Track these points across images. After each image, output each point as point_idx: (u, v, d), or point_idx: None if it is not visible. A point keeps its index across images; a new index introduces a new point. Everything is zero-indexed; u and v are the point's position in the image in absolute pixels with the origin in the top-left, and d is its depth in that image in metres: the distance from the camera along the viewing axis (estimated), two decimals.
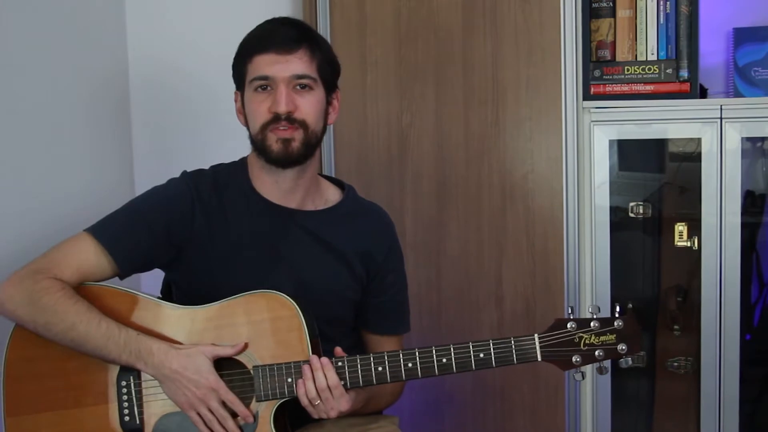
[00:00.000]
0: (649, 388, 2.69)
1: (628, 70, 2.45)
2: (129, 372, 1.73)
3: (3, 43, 2.16)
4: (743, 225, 2.38)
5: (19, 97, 2.22)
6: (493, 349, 1.67)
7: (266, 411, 1.70)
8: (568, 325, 1.66)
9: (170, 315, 1.76)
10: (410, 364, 1.68)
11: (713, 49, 2.60)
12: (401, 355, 1.68)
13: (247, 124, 1.83)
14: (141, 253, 1.81)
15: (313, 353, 1.69)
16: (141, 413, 1.73)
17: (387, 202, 2.37)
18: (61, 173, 2.39)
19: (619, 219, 2.54)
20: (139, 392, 1.73)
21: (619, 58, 2.46)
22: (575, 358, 1.66)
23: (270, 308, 1.72)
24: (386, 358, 1.69)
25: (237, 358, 1.71)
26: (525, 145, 2.48)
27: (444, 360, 1.67)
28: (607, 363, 1.69)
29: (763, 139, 2.52)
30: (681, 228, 2.50)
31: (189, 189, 1.83)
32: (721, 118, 2.37)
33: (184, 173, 1.88)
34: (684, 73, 2.41)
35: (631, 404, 2.70)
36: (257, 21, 1.83)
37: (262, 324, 1.71)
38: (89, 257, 1.77)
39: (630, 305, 2.42)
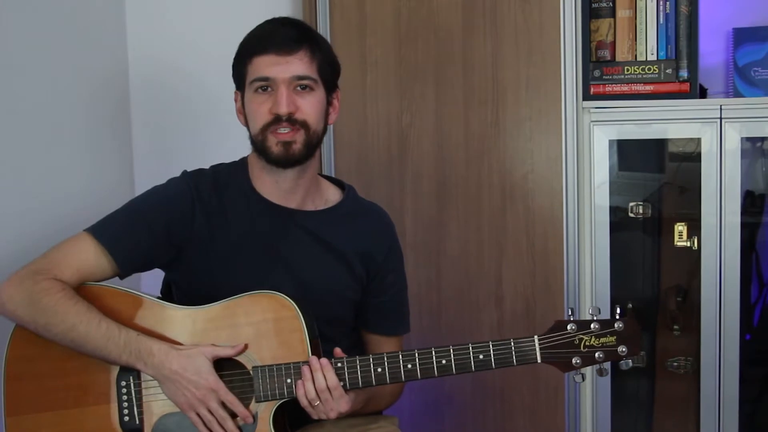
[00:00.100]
0: (648, 388, 2.69)
1: (627, 70, 2.45)
2: (129, 372, 1.73)
3: (3, 43, 2.16)
4: (743, 225, 2.38)
5: (19, 97, 2.22)
6: (493, 350, 1.67)
7: (266, 412, 1.70)
8: (568, 327, 1.66)
9: (170, 315, 1.76)
10: (409, 366, 1.68)
11: (713, 49, 2.60)
12: (400, 356, 1.68)
13: (247, 124, 1.83)
14: (141, 253, 1.81)
15: (312, 354, 1.69)
16: (141, 413, 1.73)
17: (387, 202, 2.37)
18: (61, 173, 2.39)
19: (618, 219, 2.54)
20: (138, 392, 1.73)
21: (618, 58, 2.46)
22: (575, 360, 1.66)
23: (270, 309, 1.72)
24: (385, 359, 1.69)
25: (237, 358, 1.71)
26: (525, 145, 2.48)
27: (443, 361, 1.67)
28: (607, 365, 1.69)
29: (762, 139, 2.52)
30: (681, 228, 2.50)
31: (189, 189, 1.83)
32: (720, 118, 2.36)
33: (184, 173, 1.88)
34: (684, 73, 2.41)
35: (631, 404, 2.70)
36: (257, 21, 1.83)
37: (262, 325, 1.71)
38: (89, 257, 1.77)
39: (630, 305, 2.43)
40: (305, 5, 2.59)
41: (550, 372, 1.69)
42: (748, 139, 2.44)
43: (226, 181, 1.86)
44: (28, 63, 2.25)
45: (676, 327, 2.60)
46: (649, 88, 2.44)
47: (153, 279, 1.98)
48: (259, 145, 1.78)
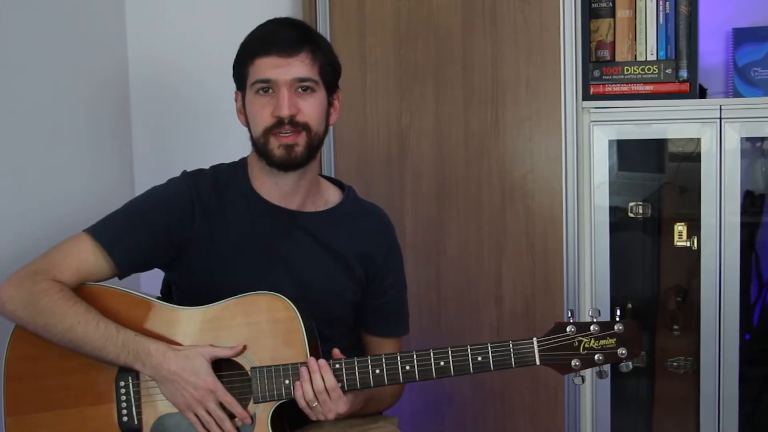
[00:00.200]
0: (648, 388, 2.69)
1: (627, 70, 2.45)
2: (128, 372, 1.73)
3: (3, 43, 2.16)
4: (743, 225, 2.38)
5: (19, 97, 2.22)
6: (492, 352, 1.67)
7: (264, 413, 1.70)
8: (568, 329, 1.66)
9: (169, 315, 1.76)
10: (407, 367, 1.68)
11: (713, 49, 2.59)
12: (399, 357, 1.68)
13: (247, 125, 1.83)
14: (141, 253, 1.81)
15: (311, 355, 1.69)
16: (139, 414, 1.73)
17: (387, 203, 2.37)
18: (61, 173, 2.39)
19: (618, 219, 2.54)
20: (137, 393, 1.74)
21: (618, 58, 2.46)
22: (574, 362, 1.66)
23: (269, 310, 1.72)
24: (384, 360, 1.69)
25: (235, 359, 1.71)
26: (524, 145, 2.48)
27: (441, 363, 1.67)
28: (607, 367, 1.68)
29: (762, 139, 2.52)
30: (680, 228, 2.50)
31: (189, 189, 1.83)
32: (720, 118, 2.36)
33: (184, 173, 1.88)
34: (683, 73, 2.41)
35: (631, 404, 2.70)
36: (257, 21, 1.83)
37: (261, 325, 1.72)
38: (88, 258, 1.77)
39: (629, 306, 2.43)
40: (305, 5, 2.59)
41: (550, 372, 1.69)
42: (748, 139, 2.44)
43: (225, 181, 1.86)
44: (28, 63, 2.25)
45: (675, 327, 2.60)
46: (648, 88, 2.44)
47: (153, 279, 1.98)
48: (261, 148, 1.78)
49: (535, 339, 1.66)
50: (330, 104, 1.84)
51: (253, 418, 1.70)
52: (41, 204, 2.29)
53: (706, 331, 2.41)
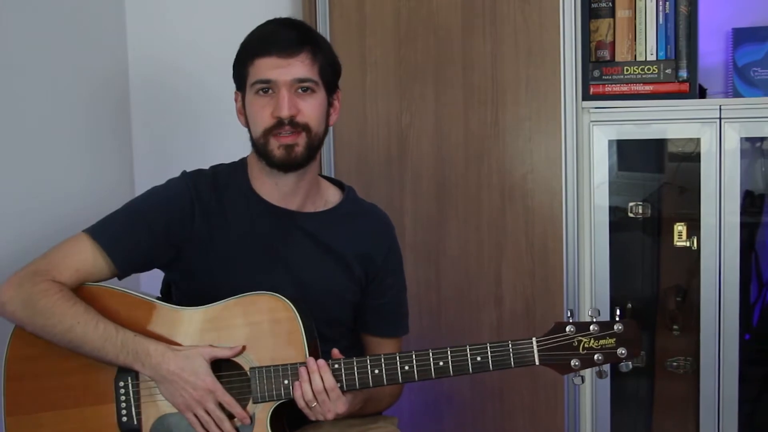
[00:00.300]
0: (648, 388, 2.69)
1: (627, 70, 2.45)
2: (127, 373, 1.73)
3: (3, 43, 2.17)
4: (742, 225, 2.38)
5: (19, 97, 2.22)
6: (491, 352, 1.66)
7: (263, 413, 1.70)
8: (567, 329, 1.66)
9: (169, 316, 1.76)
10: (406, 367, 1.68)
11: (712, 49, 2.59)
12: (398, 357, 1.68)
13: (247, 125, 1.83)
14: (140, 254, 1.81)
15: (311, 355, 1.69)
16: (139, 414, 1.74)
17: (387, 203, 2.38)
18: (61, 173, 2.39)
19: (618, 219, 2.54)
20: (137, 393, 1.74)
21: (618, 58, 2.46)
22: (574, 362, 1.66)
23: (268, 310, 1.72)
24: (383, 360, 1.69)
25: (235, 359, 1.72)
26: (524, 146, 2.48)
27: (441, 363, 1.67)
28: (607, 367, 1.68)
29: (762, 139, 2.52)
30: (680, 228, 2.50)
31: (188, 189, 1.83)
32: (720, 119, 2.36)
33: (184, 173, 1.88)
34: (683, 74, 2.41)
35: (631, 404, 2.70)
36: (257, 21, 1.83)
37: (261, 326, 1.72)
38: (87, 258, 1.77)
39: (629, 305, 2.43)
40: (305, 5, 2.59)
41: (549, 372, 1.69)
42: (748, 139, 2.44)
43: (225, 181, 1.86)
44: (28, 63, 2.25)
45: (675, 327, 2.60)
46: (648, 88, 2.44)
47: (153, 279, 1.98)
48: (261, 148, 1.78)
49: (534, 339, 1.66)
50: (330, 104, 1.84)
51: (252, 418, 1.70)
52: (41, 204, 2.29)
53: (706, 331, 2.41)
